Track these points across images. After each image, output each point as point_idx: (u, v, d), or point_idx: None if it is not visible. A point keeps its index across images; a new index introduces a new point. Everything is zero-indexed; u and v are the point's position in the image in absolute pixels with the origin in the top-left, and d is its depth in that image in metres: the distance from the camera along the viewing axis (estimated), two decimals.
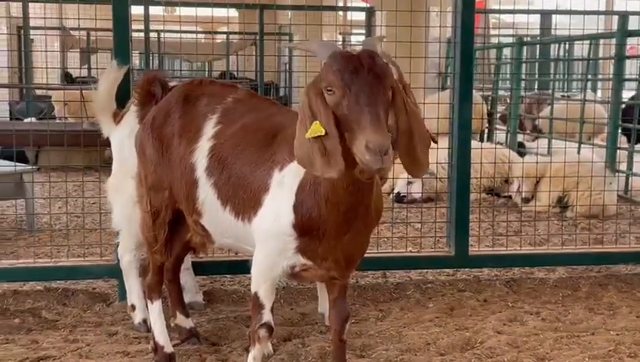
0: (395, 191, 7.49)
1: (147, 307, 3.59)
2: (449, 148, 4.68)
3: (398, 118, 2.48)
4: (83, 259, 4.52)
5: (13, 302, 4.21)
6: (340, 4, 19.02)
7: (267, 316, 2.97)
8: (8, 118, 11.29)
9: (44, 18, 10.91)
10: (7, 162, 5.89)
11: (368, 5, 14.46)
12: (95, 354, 3.55)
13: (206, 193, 3.06)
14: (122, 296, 4.22)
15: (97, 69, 14.60)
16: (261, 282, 2.94)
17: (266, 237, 2.84)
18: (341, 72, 2.37)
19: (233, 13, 18.00)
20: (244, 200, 2.90)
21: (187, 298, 4.01)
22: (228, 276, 4.79)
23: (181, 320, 3.72)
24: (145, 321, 3.87)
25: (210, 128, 3.11)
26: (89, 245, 4.94)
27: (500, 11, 14.33)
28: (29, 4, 12.03)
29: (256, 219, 2.86)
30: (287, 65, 15.91)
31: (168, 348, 3.41)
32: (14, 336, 3.74)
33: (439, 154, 4.75)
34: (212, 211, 3.06)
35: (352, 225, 2.72)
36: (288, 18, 16.23)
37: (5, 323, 3.93)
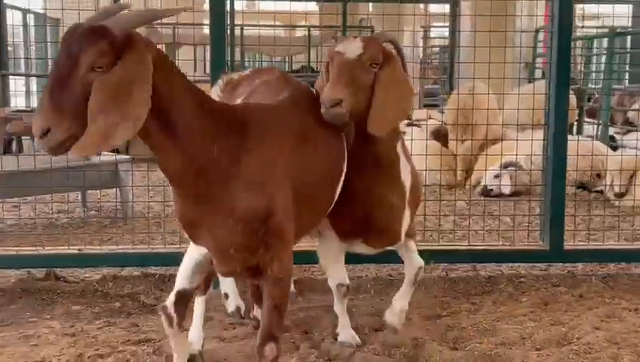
0: (483, 184, 7.38)
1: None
2: (544, 140, 4.58)
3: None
4: (178, 246, 4.63)
5: (113, 287, 4.36)
6: None
7: None
8: None
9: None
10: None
11: None
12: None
13: None
14: (215, 283, 4.31)
15: (179, 60, 14.96)
16: None
17: None
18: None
19: (313, 7, 18.12)
20: None
21: None
22: (316, 265, 4.82)
23: (258, 312, 3.79)
24: (238, 309, 3.94)
25: None
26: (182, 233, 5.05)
27: (596, 0, 13.98)
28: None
29: None
30: None
31: None
32: (115, 319, 3.87)
33: (527, 147, 4.67)
34: None
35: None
36: (369, 10, 16.20)
37: (107, 306, 4.08)
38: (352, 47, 2.94)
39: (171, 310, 2.86)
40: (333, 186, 3.10)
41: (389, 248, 3.57)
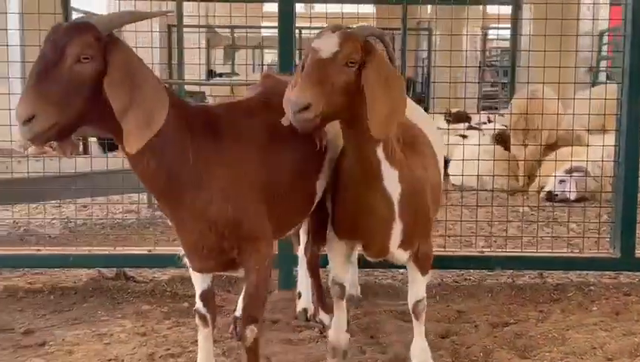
0: (546, 189, 7.27)
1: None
2: (615, 146, 4.49)
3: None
4: None
5: (181, 287, 4.43)
6: None
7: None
8: None
9: (193, 16, 11.33)
10: None
11: None
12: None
13: None
14: (282, 284, 4.36)
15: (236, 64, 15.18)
16: None
17: None
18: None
19: (370, 9, 18.10)
20: None
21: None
22: (380, 269, 4.82)
23: (324, 317, 3.83)
24: (305, 311, 3.96)
25: None
26: None
27: None
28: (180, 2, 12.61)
29: None
30: (427, 61, 15.83)
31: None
32: (184, 319, 3.93)
33: (594, 153, 4.59)
34: None
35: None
36: (427, 13, 16.13)
37: (175, 306, 4.15)
38: (328, 44, 2.65)
39: (203, 310, 2.97)
40: (311, 183, 3.10)
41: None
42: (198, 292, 3.00)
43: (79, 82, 2.34)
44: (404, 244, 3.04)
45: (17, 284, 4.52)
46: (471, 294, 4.40)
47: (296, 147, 2.98)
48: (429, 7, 13.89)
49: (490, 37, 17.25)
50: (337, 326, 3.31)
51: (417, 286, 3.22)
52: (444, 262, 4.60)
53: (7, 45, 5.10)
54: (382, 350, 3.55)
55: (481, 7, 15.80)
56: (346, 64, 2.63)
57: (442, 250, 4.86)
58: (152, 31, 12.47)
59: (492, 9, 16.45)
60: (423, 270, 3.19)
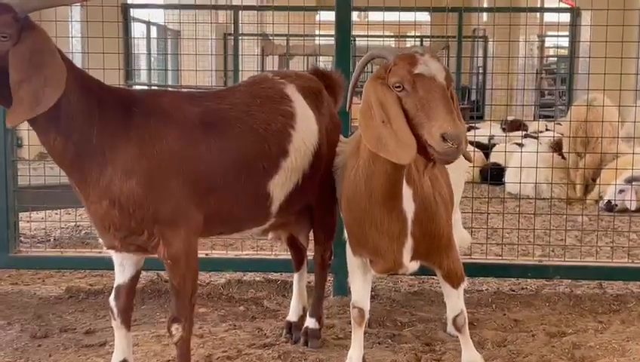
0: (605, 199, 7.13)
1: None
2: None
3: None
4: None
5: (237, 291, 4.49)
6: (535, 4, 18.40)
7: None
8: None
9: (251, 24, 11.48)
10: None
11: (569, 6, 13.90)
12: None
13: None
14: (336, 290, 4.37)
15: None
16: None
17: None
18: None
19: (424, 17, 18.04)
20: None
21: None
22: (434, 277, 4.79)
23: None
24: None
25: None
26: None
27: None
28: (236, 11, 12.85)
29: None
30: (482, 68, 15.69)
31: None
32: (240, 323, 3.98)
33: None
34: None
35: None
36: (481, 20, 15.98)
37: (231, 309, 4.20)
38: (439, 69, 2.60)
39: (113, 303, 3.13)
40: (260, 181, 3.10)
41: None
42: (114, 285, 3.13)
43: None
44: (415, 258, 3.03)
45: (79, 285, 4.64)
46: (528, 303, 4.34)
47: (240, 143, 3.01)
48: (485, 14, 13.74)
49: (546, 45, 17.02)
50: (354, 358, 3.25)
51: (453, 300, 3.20)
52: (500, 271, 4.56)
53: (72, 52, 5.26)
54: (437, 358, 3.54)
55: (538, 14, 15.59)
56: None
57: (499, 258, 4.81)
58: (207, 38, 12.75)
59: (549, 16, 16.25)
60: (453, 284, 3.16)
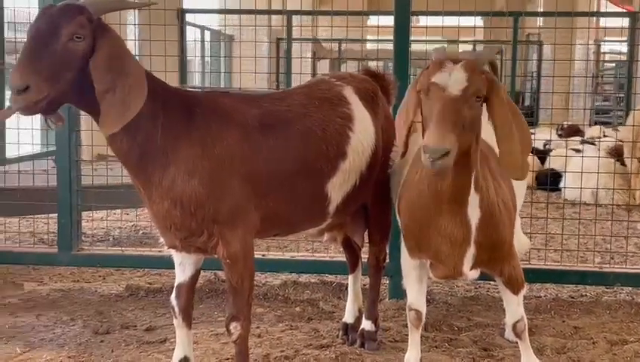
0: None
1: None
2: None
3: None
4: None
5: (293, 292, 4.52)
6: (592, 9, 18.07)
7: None
8: None
9: (304, 27, 11.56)
10: None
11: (626, 11, 13.64)
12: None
13: None
14: (392, 293, 4.37)
15: None
16: None
17: None
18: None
19: (479, 21, 17.88)
20: None
21: None
22: (492, 282, 4.75)
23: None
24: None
25: None
26: None
27: None
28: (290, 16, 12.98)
29: None
30: (536, 73, 15.47)
31: None
32: (297, 323, 4.00)
33: None
34: None
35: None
36: (537, 24, 15.78)
37: (288, 310, 4.23)
38: (455, 80, 2.52)
39: (174, 302, 3.19)
40: (318, 183, 3.11)
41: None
42: (175, 284, 3.18)
43: (70, 59, 2.56)
44: (476, 266, 2.98)
45: (138, 284, 4.73)
46: (588, 310, 4.27)
47: (299, 144, 3.04)
48: (540, 18, 13.56)
49: (602, 50, 16.69)
50: (412, 360, 3.24)
51: (513, 306, 3.15)
52: (559, 277, 4.50)
53: None
54: None
55: (594, 18, 15.30)
56: (475, 100, 2.56)
57: (557, 264, 4.74)
58: (262, 41, 12.89)
59: (605, 21, 15.94)
60: (514, 290, 3.12)
